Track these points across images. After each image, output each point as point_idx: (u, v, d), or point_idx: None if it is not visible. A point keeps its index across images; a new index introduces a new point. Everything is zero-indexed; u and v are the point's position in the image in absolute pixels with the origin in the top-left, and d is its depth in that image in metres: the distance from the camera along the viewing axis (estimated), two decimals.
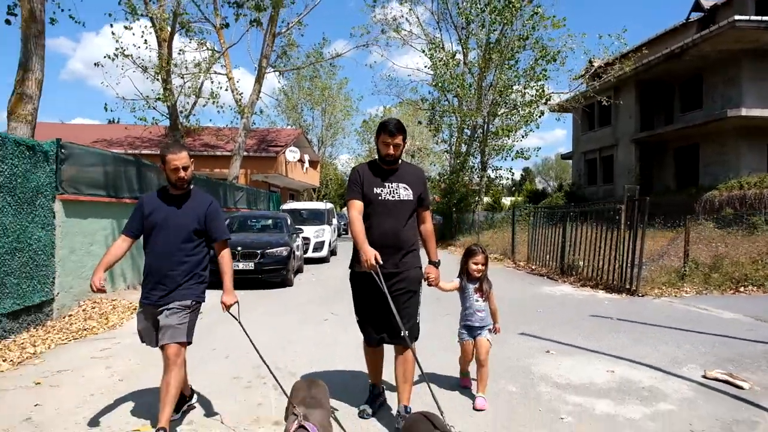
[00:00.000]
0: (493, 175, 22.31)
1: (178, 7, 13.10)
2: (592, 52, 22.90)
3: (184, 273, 3.21)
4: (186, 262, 3.22)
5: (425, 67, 21.67)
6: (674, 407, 3.51)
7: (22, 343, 5.23)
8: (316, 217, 16.29)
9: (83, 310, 7.00)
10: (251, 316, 6.65)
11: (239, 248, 9.54)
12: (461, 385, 4.01)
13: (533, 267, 12.40)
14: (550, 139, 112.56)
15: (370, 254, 3.12)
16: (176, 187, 3.29)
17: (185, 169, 3.22)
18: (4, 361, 4.54)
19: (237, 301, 3.20)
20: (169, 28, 13.66)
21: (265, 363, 3.04)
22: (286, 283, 9.88)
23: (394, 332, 3.22)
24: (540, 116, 20.42)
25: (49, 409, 3.44)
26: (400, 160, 3.53)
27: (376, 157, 3.55)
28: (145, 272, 3.28)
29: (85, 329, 5.96)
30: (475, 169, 22.30)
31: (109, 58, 14.64)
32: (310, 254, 14.28)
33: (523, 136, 20.79)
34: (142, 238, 3.38)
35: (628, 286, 8.54)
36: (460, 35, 21.97)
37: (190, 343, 3.22)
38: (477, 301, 3.80)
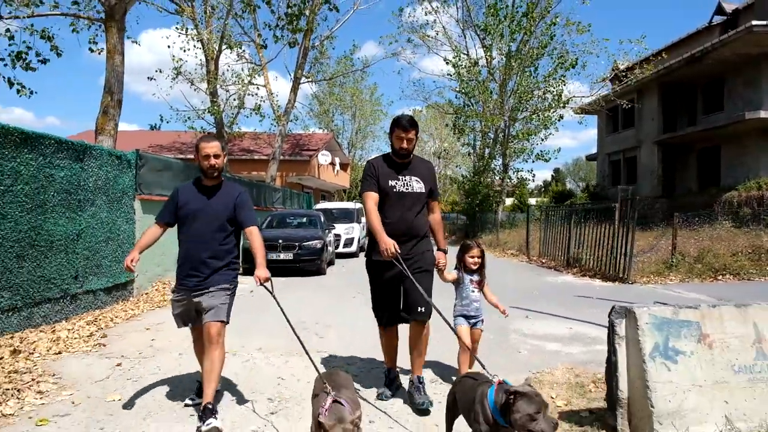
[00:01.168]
0: (514, 177, 23.36)
1: (225, 29, 14.81)
2: (615, 56, 23.63)
3: (219, 260, 3.33)
4: (219, 249, 3.34)
5: (448, 75, 22.82)
6: (606, 347, 4.76)
7: (122, 308, 6.83)
8: (346, 216, 17.71)
9: (156, 290, 8.59)
10: (292, 295, 8.13)
11: (280, 241, 11.06)
12: None
13: (543, 261, 13.55)
14: (584, 138, 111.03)
15: (390, 243, 3.31)
16: (207, 176, 3.40)
17: (216, 156, 3.34)
18: (116, 317, 6.14)
19: (270, 278, 3.25)
20: (216, 46, 15.40)
21: (291, 326, 3.21)
22: (320, 271, 11.34)
23: (413, 309, 3.50)
24: (559, 119, 21.40)
25: (162, 341, 4.97)
26: (412, 155, 3.66)
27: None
28: (180, 259, 3.41)
29: (164, 300, 7.54)
30: (497, 171, 23.42)
31: (160, 71, 16.57)
32: (340, 249, 15.71)
33: (542, 140, 21.82)
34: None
35: (620, 275, 9.64)
36: (484, 42, 23.14)
37: (228, 322, 3.37)
38: (473, 291, 3.90)
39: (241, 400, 3.57)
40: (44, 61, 10.11)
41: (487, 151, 23.97)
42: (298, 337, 3.14)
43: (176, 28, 14.99)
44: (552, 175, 75.19)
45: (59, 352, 4.48)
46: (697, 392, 2.66)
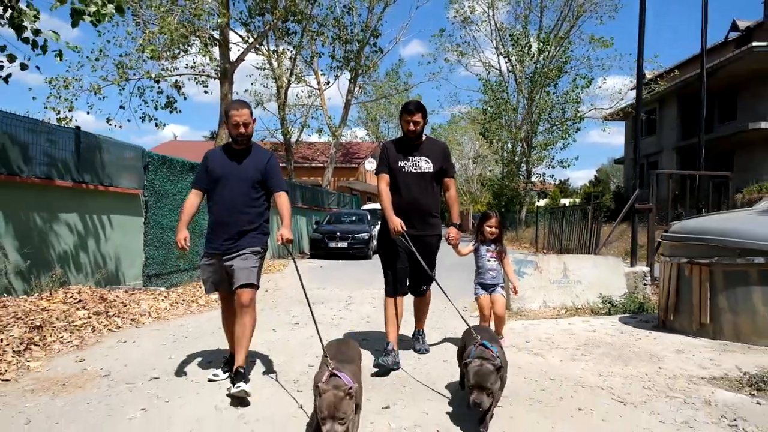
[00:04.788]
0: (536, 181, 26.36)
1: (294, 66, 18.87)
2: (633, 72, 26.09)
3: (249, 222, 3.36)
4: (249, 212, 3.38)
5: (478, 89, 26.12)
6: None
7: (273, 264, 10.90)
8: None
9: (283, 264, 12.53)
10: (348, 270, 11.77)
11: (338, 233, 14.84)
12: None
13: (546, 251, 16.73)
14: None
15: (396, 222, 3.56)
16: (237, 142, 3.40)
17: (246, 125, 3.34)
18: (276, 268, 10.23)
19: (291, 240, 3.32)
20: (286, 79, 19.41)
21: (306, 296, 3.47)
22: (366, 256, 15.00)
23: (416, 287, 3.93)
24: (576, 131, 24.32)
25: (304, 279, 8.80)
26: (423, 137, 3.82)
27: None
28: (210, 224, 3.42)
29: (283, 265, 11.64)
30: (521, 176, 26.50)
31: (237, 93, 20.75)
32: None
33: (561, 149, 24.77)
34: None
35: None
36: (513, 63, 26.20)
37: (258, 287, 3.41)
38: (489, 260, 4.00)
39: (327, 303, 7.18)
40: (174, 101, 14.25)
41: (515, 157, 27.06)
42: (307, 299, 3.62)
43: (256, 66, 19.28)
44: (595, 176, 76.35)
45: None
46: (532, 290, 6.12)
